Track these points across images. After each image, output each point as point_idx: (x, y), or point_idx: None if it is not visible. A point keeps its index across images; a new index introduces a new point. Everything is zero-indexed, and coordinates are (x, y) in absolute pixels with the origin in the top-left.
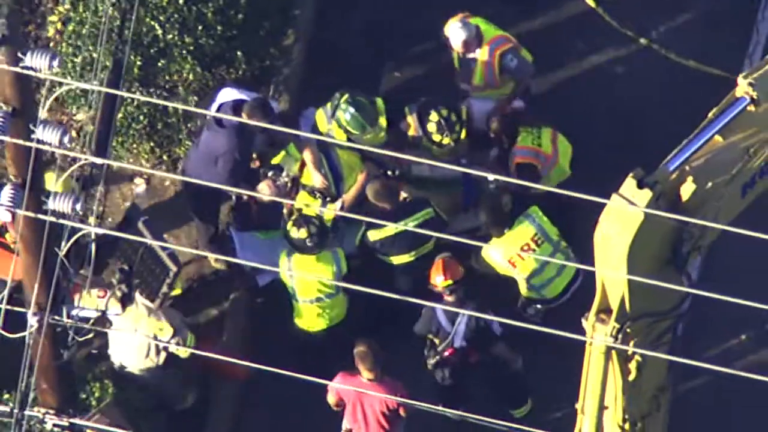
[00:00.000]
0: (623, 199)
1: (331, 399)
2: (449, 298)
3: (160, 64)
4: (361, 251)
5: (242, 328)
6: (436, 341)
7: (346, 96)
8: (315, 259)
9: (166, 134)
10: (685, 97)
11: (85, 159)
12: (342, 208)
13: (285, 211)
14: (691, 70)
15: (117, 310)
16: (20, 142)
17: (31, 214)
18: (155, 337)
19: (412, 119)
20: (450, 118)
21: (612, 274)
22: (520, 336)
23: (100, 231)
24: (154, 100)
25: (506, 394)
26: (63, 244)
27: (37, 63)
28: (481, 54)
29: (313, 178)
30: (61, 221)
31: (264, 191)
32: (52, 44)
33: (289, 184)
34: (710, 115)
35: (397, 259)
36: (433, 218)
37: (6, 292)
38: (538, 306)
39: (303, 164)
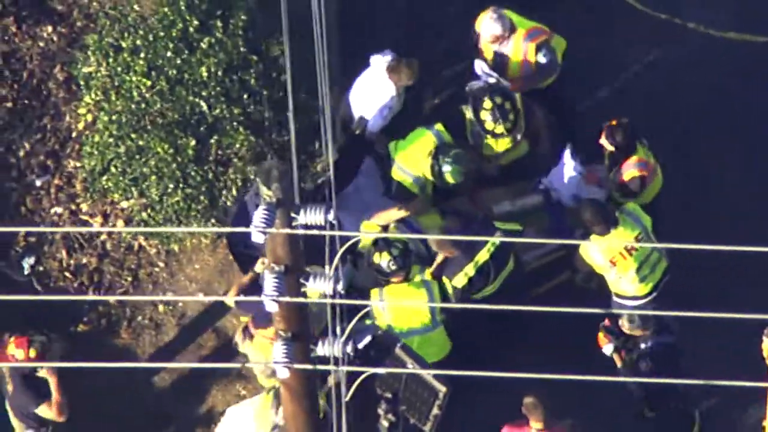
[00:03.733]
0: None
1: None
2: None
3: (212, 140)
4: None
5: None
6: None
7: (446, 156)
8: (406, 286)
9: (227, 209)
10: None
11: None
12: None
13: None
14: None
15: None
16: (295, 300)
17: (302, 366)
18: None
19: (467, 110)
20: (504, 106)
21: None
22: None
23: (378, 370)
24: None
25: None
26: (341, 389)
27: (311, 219)
28: (515, 46)
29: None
30: (331, 367)
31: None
32: (82, 136)
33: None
34: None
35: (480, 294)
36: (505, 236)
37: None
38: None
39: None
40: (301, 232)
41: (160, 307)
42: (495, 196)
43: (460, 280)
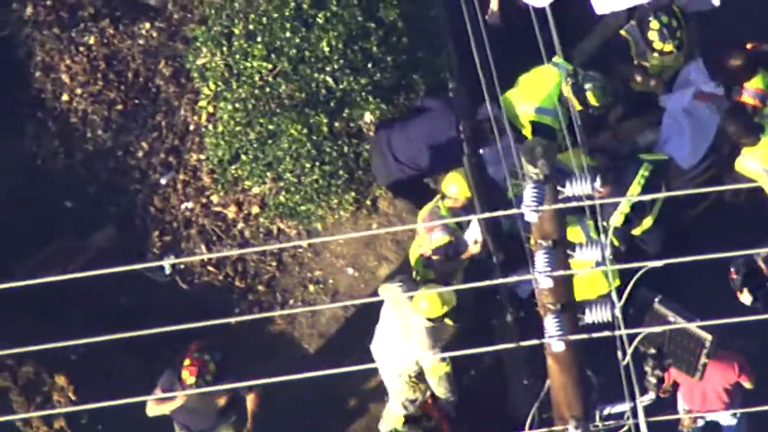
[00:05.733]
0: None
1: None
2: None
3: (344, 114)
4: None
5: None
6: None
7: (581, 77)
8: None
9: (363, 180)
10: None
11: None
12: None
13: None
14: None
15: (651, 396)
16: (564, 272)
17: (578, 337)
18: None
19: (626, 33)
20: (671, 24)
21: None
22: None
23: (655, 329)
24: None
25: None
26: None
27: (578, 190)
28: None
29: None
30: (608, 333)
31: None
32: (201, 128)
33: None
34: None
35: (640, 229)
36: (654, 168)
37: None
38: None
39: None
40: (564, 205)
41: (311, 287)
42: (636, 127)
43: (617, 220)
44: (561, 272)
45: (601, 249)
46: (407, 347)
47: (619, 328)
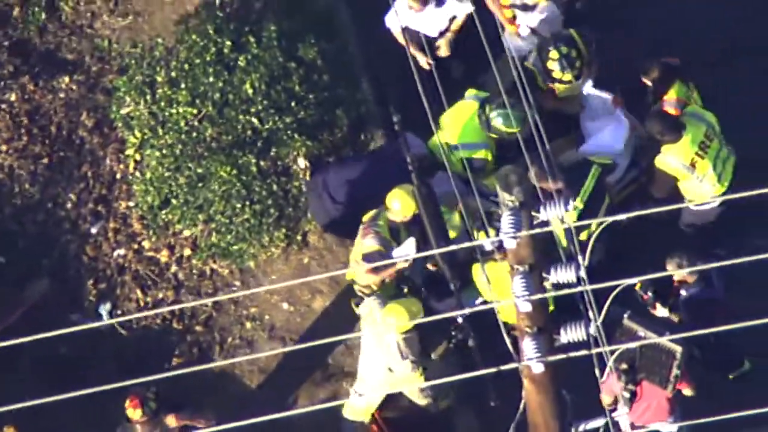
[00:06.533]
0: None
1: (606, 399)
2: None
3: (272, 153)
4: None
5: None
6: None
7: (491, 107)
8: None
9: (293, 216)
10: None
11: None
12: None
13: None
14: None
15: (625, 410)
16: (536, 297)
17: (557, 357)
18: None
19: (530, 65)
20: (570, 55)
21: None
22: None
23: (635, 344)
24: None
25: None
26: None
27: (552, 214)
28: None
29: None
30: (584, 352)
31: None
32: (128, 176)
33: None
34: None
35: (586, 233)
36: (601, 172)
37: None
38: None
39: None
40: (539, 230)
41: (248, 324)
42: (559, 147)
43: (570, 216)
44: (539, 295)
45: (576, 270)
46: (381, 359)
47: (598, 346)
